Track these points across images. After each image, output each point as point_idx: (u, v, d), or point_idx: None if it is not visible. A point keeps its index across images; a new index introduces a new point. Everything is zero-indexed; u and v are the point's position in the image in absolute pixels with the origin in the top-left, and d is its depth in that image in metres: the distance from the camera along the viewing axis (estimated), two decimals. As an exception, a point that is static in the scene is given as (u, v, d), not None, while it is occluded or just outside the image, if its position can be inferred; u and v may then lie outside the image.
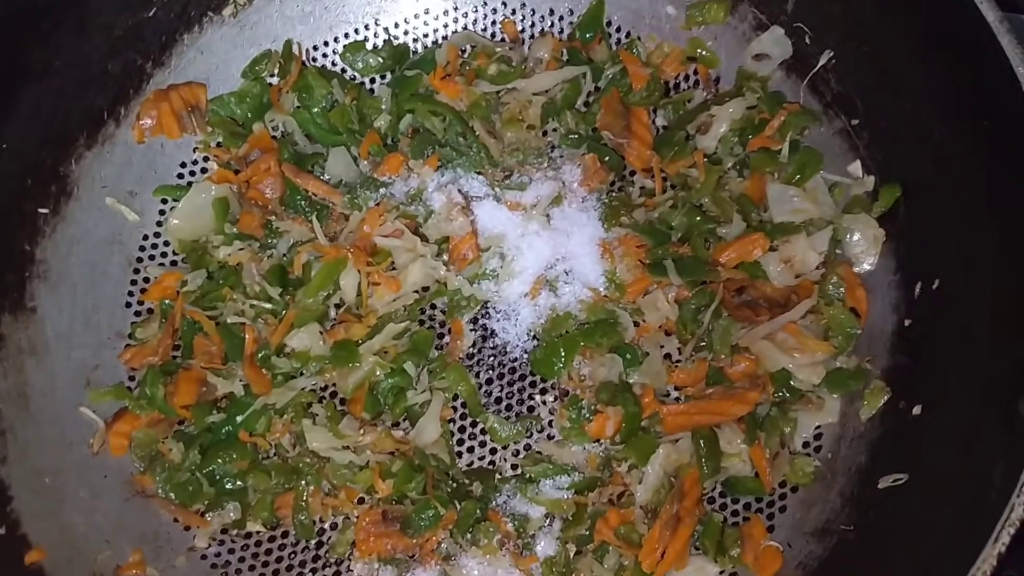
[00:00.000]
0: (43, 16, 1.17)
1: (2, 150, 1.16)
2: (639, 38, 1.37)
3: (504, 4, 1.41)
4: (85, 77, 1.24)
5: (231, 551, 1.17)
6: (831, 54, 1.25)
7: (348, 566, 1.15)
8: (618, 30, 1.39)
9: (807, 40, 1.27)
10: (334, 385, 1.23)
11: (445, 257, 1.26)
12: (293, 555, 1.17)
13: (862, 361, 1.17)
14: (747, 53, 1.31)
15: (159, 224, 1.31)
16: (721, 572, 1.11)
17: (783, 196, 1.24)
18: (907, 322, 1.15)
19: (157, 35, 1.29)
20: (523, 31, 1.41)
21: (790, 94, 1.29)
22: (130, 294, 1.28)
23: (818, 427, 1.17)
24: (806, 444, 1.17)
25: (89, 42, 1.23)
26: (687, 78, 1.37)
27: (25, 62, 1.17)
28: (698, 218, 1.26)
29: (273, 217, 1.29)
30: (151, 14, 1.27)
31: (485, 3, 1.41)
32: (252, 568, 1.16)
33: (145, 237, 1.30)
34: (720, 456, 1.15)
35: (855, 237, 1.21)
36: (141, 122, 1.30)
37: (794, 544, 1.11)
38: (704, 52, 1.35)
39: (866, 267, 1.20)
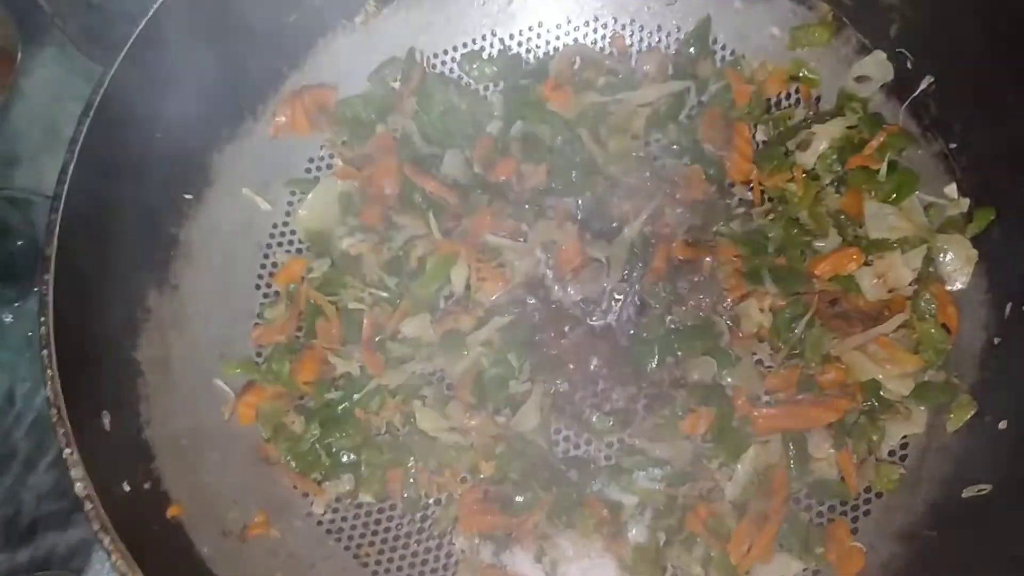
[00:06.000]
0: (193, 21, 1.27)
1: (157, 140, 1.25)
2: (744, 56, 1.43)
3: (615, 19, 1.48)
4: (229, 76, 1.33)
5: (344, 519, 1.26)
6: (931, 79, 1.29)
7: (450, 539, 1.23)
8: (723, 48, 1.44)
9: (908, 65, 1.31)
10: (443, 370, 1.31)
11: (551, 260, 1.34)
12: (400, 526, 1.25)
13: (950, 375, 1.21)
14: (849, 75, 1.36)
15: (287, 214, 1.41)
16: (804, 569, 1.17)
17: (879, 213, 1.28)
18: (996, 340, 1.19)
19: (295, 39, 1.39)
20: (631, 45, 1.48)
21: (889, 116, 1.33)
22: (259, 277, 1.38)
23: (905, 437, 1.22)
24: (892, 452, 1.22)
25: (235, 44, 1.32)
26: (788, 96, 1.42)
27: (177, 63, 1.26)
28: (795, 231, 1.31)
29: (392, 212, 1.38)
30: (291, 20, 1.36)
31: (596, 18, 1.48)
32: (363, 536, 1.25)
33: (275, 225, 1.40)
34: (808, 459, 1.20)
35: (948, 256, 1.25)
36: (276, 119, 1.40)
37: (877, 546, 1.16)
38: (806, 72, 1.40)
39: (958, 286, 1.24)
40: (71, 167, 1.16)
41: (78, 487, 1.02)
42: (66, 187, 1.14)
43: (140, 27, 1.23)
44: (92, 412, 1.10)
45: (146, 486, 1.13)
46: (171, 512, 1.14)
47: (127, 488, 1.09)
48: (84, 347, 1.13)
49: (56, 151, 1.19)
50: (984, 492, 1.10)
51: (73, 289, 1.13)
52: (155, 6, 1.24)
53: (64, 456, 1.03)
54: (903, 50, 1.31)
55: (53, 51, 1.77)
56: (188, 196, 1.31)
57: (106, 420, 1.12)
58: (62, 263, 1.12)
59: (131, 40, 1.23)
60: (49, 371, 1.05)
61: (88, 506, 1.02)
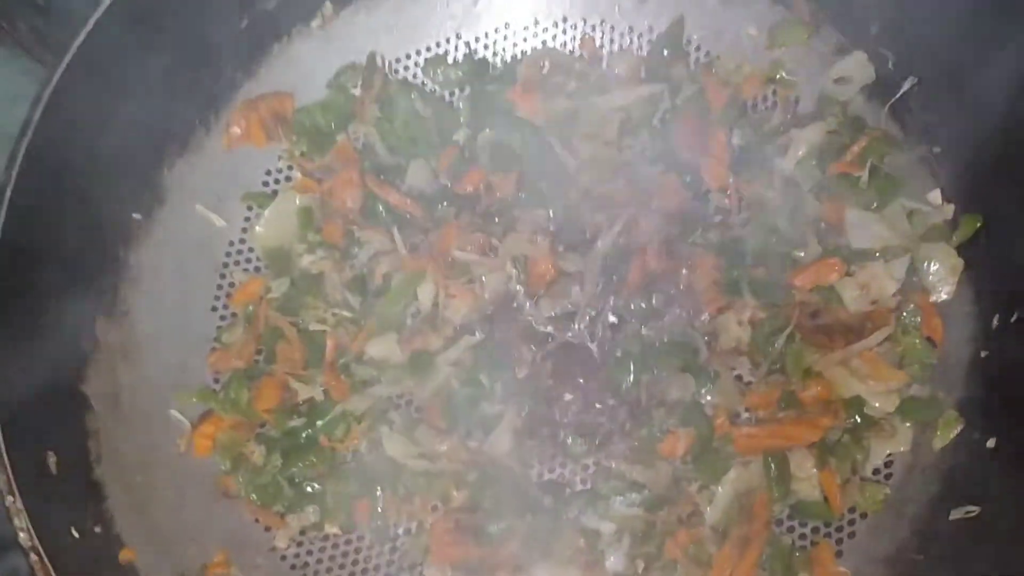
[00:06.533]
0: (140, 27, 1.20)
1: (102, 156, 1.19)
2: (719, 57, 1.37)
3: (584, 20, 1.41)
4: (179, 86, 1.27)
5: (309, 552, 1.21)
6: (914, 80, 1.24)
7: (421, 571, 1.18)
8: (698, 49, 1.38)
9: (890, 65, 1.26)
10: (411, 393, 1.26)
11: (522, 275, 1.28)
12: (368, 558, 1.21)
13: (936, 391, 1.17)
14: (828, 76, 1.31)
15: (244, 231, 1.35)
16: (788, 595, 1.13)
17: (861, 221, 1.23)
18: (984, 354, 1.15)
19: (248, 45, 1.32)
20: (602, 47, 1.42)
21: (871, 119, 1.29)
22: (216, 298, 1.32)
23: (889, 455, 1.18)
24: (877, 471, 1.18)
25: (184, 52, 1.25)
26: (766, 99, 1.37)
27: (124, 72, 1.20)
28: (774, 240, 1.26)
29: (355, 227, 1.32)
30: (244, 25, 1.29)
31: (565, 19, 1.42)
32: (329, 570, 1.20)
33: (231, 243, 1.34)
34: (790, 479, 1.16)
35: (933, 266, 1.21)
36: (230, 130, 1.33)
37: (863, 571, 1.13)
38: (784, 74, 1.34)
39: (943, 296, 1.20)
40: (8, 188, 1.09)
41: (22, 537, 0.97)
42: (2, 209, 1.08)
43: (82, 36, 1.16)
44: (36, 454, 1.05)
45: (97, 529, 1.09)
46: (124, 556, 1.09)
47: (76, 534, 1.04)
48: (27, 384, 1.06)
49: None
50: (972, 514, 1.07)
51: (13, 320, 1.08)
52: (98, 12, 1.17)
53: (7, 505, 0.97)
54: (884, 50, 1.27)
55: (3, 52, 1.69)
56: (137, 216, 1.26)
57: (52, 461, 1.06)
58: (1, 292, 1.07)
59: (72, 49, 1.16)
60: (-13, 416, 1.00)
61: (33, 558, 0.96)
